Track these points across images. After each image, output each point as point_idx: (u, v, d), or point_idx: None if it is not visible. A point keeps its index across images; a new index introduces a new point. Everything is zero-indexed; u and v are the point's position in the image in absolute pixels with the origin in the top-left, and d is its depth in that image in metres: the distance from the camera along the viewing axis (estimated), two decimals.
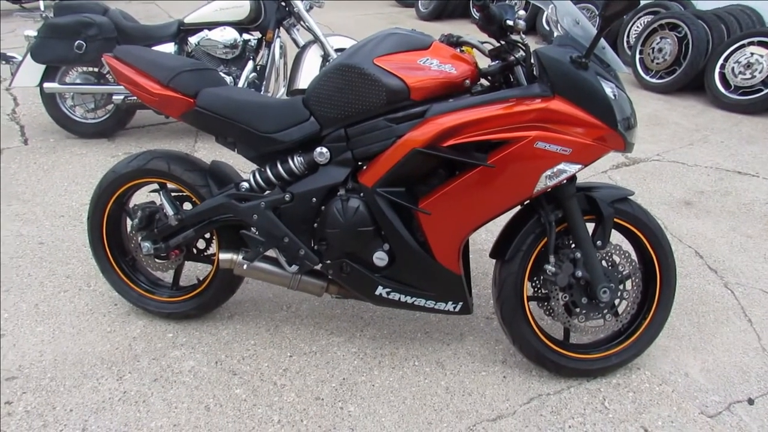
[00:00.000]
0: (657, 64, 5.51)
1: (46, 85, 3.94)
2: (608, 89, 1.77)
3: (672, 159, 4.09)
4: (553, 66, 1.74)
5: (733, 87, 5.05)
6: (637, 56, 5.67)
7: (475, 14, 1.75)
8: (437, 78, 1.81)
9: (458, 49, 1.96)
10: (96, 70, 4.01)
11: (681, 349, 2.29)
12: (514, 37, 1.82)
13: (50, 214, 3.19)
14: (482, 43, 1.97)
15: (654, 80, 5.54)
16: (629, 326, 2.14)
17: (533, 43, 7.01)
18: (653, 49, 5.54)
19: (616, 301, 2.06)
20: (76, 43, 3.74)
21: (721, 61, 5.10)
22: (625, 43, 6.19)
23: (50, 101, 4.05)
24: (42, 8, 4.25)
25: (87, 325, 2.34)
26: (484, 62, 1.88)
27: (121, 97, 3.93)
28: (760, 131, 4.64)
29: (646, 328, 2.11)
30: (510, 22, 1.76)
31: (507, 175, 1.80)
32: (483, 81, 1.95)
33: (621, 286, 2.04)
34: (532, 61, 1.82)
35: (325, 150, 1.92)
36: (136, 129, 4.43)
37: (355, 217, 1.91)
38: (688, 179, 3.78)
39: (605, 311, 2.04)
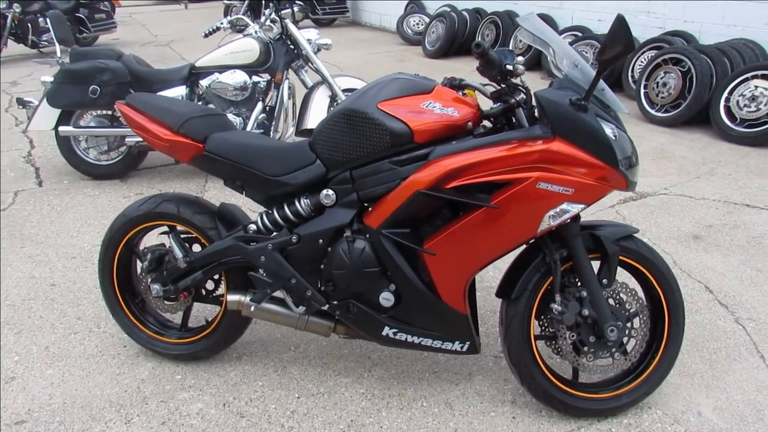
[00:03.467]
0: (662, 98, 5.55)
1: (61, 128, 4.04)
2: (608, 130, 1.80)
3: (679, 192, 4.09)
4: (553, 108, 1.78)
5: (738, 120, 5.07)
6: (642, 90, 5.72)
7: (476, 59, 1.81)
8: (440, 121, 1.85)
9: (461, 92, 2.00)
10: (110, 113, 4.11)
11: (693, 387, 2.26)
12: (515, 80, 1.86)
13: (62, 255, 3.23)
14: (484, 85, 2.01)
15: (659, 114, 5.57)
16: (639, 364, 2.12)
17: (539, 79, 7.10)
18: (657, 83, 5.59)
19: (625, 340, 2.04)
20: (91, 87, 3.85)
21: (725, 94, 5.14)
22: (629, 78, 6.25)
23: (65, 144, 4.15)
24: (58, 54, 4.37)
25: (96, 367, 2.35)
26: (487, 104, 1.92)
27: (134, 140, 4.02)
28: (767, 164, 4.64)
29: (656, 366, 2.09)
30: (509, 67, 1.80)
31: (510, 215, 1.82)
32: (485, 123, 1.99)
33: (629, 324, 2.03)
34: (533, 103, 1.86)
35: (331, 192, 1.95)
36: (148, 170, 4.51)
37: (361, 258, 1.93)
38: (696, 213, 3.78)
39: (613, 350, 2.02)
